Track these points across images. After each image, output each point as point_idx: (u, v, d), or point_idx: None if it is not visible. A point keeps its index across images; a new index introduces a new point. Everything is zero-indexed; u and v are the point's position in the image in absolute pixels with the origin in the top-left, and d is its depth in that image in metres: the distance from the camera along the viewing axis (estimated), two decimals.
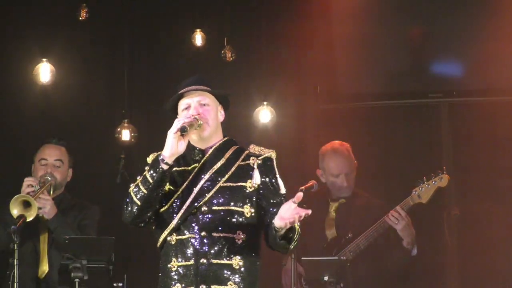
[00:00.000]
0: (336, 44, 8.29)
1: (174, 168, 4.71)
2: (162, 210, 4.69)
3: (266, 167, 4.76)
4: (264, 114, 7.79)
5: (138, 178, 4.74)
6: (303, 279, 6.71)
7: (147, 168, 4.69)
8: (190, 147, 4.74)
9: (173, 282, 4.71)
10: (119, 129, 7.72)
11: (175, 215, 4.66)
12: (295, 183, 6.47)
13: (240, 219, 4.66)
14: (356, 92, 8.37)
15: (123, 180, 7.81)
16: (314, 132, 8.22)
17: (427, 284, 7.97)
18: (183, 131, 4.54)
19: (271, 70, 8.16)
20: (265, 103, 7.81)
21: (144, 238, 7.64)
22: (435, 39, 8.27)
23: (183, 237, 4.65)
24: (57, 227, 6.20)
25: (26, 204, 6.01)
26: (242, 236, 4.64)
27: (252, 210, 4.68)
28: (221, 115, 4.77)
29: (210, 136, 4.71)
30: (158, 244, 4.78)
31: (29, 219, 5.95)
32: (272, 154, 4.83)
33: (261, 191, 4.71)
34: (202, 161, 4.72)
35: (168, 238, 4.68)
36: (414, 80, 8.28)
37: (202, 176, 4.68)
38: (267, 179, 4.75)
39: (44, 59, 7.59)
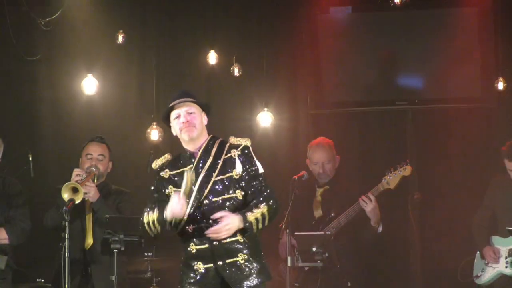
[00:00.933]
0: (322, 62, 8.29)
1: (173, 172, 4.81)
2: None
3: (244, 155, 4.75)
4: (265, 118, 7.79)
5: (147, 210, 4.84)
6: (296, 250, 6.63)
7: (156, 213, 4.76)
8: (183, 151, 4.79)
9: (195, 261, 4.71)
10: (149, 130, 7.70)
11: (188, 204, 4.66)
12: (290, 173, 6.64)
13: (235, 203, 4.68)
14: (338, 100, 8.32)
15: (151, 171, 7.55)
16: (305, 132, 8.20)
17: (395, 256, 7.92)
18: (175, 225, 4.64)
19: (270, 82, 8.18)
20: (265, 109, 7.81)
21: None
22: (401, 57, 8.32)
23: (196, 226, 4.67)
24: (100, 208, 6.21)
25: (75, 190, 5.99)
26: (234, 205, 4.70)
27: (242, 193, 4.69)
28: (204, 119, 4.78)
29: (198, 137, 4.72)
30: (178, 234, 4.81)
31: (77, 202, 5.94)
32: (248, 142, 4.84)
33: (245, 177, 4.71)
34: (195, 162, 4.71)
35: (186, 228, 4.67)
36: (384, 91, 8.27)
37: (202, 171, 4.71)
38: (247, 166, 4.75)
39: (89, 74, 7.60)
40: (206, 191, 4.66)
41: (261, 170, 4.81)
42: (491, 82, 7.90)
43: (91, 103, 7.99)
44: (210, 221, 4.62)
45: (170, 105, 4.71)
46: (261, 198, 4.68)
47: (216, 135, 4.86)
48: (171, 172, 4.78)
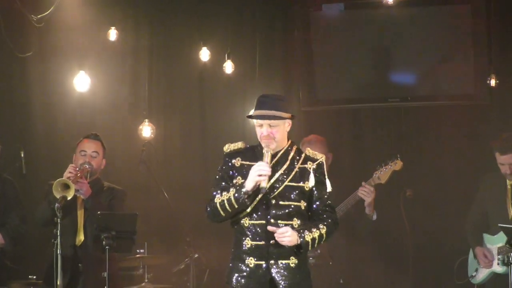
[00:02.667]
0: (314, 59, 8.35)
1: (245, 162, 4.87)
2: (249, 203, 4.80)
3: (319, 172, 4.85)
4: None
5: (224, 194, 4.78)
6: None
7: (232, 191, 4.77)
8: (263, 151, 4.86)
9: (248, 256, 4.81)
10: (141, 127, 7.75)
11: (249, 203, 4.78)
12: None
13: (298, 211, 4.79)
14: (330, 97, 8.40)
15: (143, 167, 7.84)
16: (297, 129, 7.71)
17: (387, 252, 7.83)
18: (260, 190, 4.65)
19: (263, 79, 8.21)
20: None
21: (162, 212, 7.87)
22: (393, 54, 8.33)
23: (256, 222, 4.75)
24: (92, 205, 6.21)
25: (66, 186, 5.96)
26: (298, 222, 4.75)
27: (305, 204, 4.79)
28: (288, 126, 4.83)
29: (278, 147, 4.77)
30: (232, 224, 4.92)
31: (69, 198, 5.91)
32: (323, 158, 4.93)
33: (315, 192, 4.82)
34: (273, 162, 4.77)
35: (242, 221, 4.77)
36: (377, 88, 8.33)
37: (273, 176, 4.77)
38: (319, 182, 4.85)
39: (81, 71, 7.63)
40: (276, 192, 4.77)
41: (329, 188, 4.92)
42: (483, 79, 7.92)
43: (83, 100, 8.07)
44: (272, 220, 4.73)
45: (255, 114, 4.80)
46: (323, 219, 4.85)
47: (294, 142, 4.97)
48: (243, 162, 4.86)
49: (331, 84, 8.43)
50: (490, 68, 8.04)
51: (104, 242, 5.96)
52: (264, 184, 4.74)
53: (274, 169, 4.86)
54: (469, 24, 8.19)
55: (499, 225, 6.19)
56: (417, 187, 8.00)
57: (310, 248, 4.85)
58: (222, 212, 4.81)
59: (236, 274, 4.86)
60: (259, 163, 4.73)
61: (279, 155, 4.85)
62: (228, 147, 4.97)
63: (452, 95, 8.23)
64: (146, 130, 7.72)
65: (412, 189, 7.83)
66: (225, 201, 4.77)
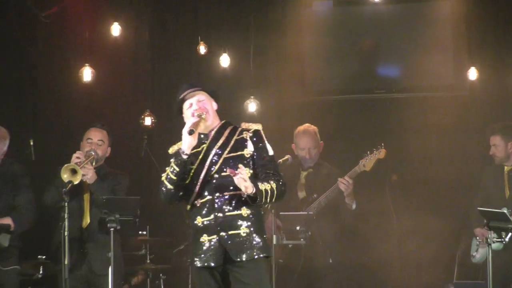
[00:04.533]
0: (305, 53, 8.42)
1: (192, 151, 4.75)
2: (186, 183, 4.73)
3: (256, 137, 4.77)
4: (251, 106, 7.87)
5: (166, 169, 4.75)
6: (281, 229, 6.66)
7: (172, 160, 4.70)
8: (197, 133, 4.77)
9: (200, 234, 4.74)
10: (142, 117, 7.79)
11: (196, 184, 4.70)
12: (275, 157, 6.30)
13: (241, 176, 4.64)
14: (321, 89, 8.46)
15: (145, 154, 8.04)
16: (290, 118, 8.09)
17: (374, 235, 7.83)
18: (191, 133, 4.60)
19: (257, 72, 8.20)
20: (252, 97, 7.85)
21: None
22: (380, 49, 8.46)
23: (204, 200, 4.69)
24: (97, 190, 6.21)
25: (73, 171, 5.98)
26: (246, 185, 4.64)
27: (251, 171, 4.68)
28: (214, 105, 4.82)
29: (212, 122, 4.75)
30: (188, 208, 4.85)
31: (75, 182, 5.94)
32: (259, 126, 4.85)
33: (255, 157, 4.73)
34: (208, 141, 4.75)
35: (195, 203, 4.72)
36: (364, 80, 8.40)
37: (210, 152, 4.71)
38: (258, 147, 4.77)
39: (86, 64, 7.69)
40: (216, 167, 4.72)
41: (271, 152, 4.88)
42: (463, 71, 7.99)
43: (89, 91, 8.09)
44: (217, 194, 4.69)
45: (181, 96, 4.83)
46: (271, 176, 4.74)
47: (228, 121, 4.94)
48: (190, 151, 4.84)
49: (321, 76, 8.50)
50: (470, 60, 8.05)
51: (108, 225, 5.93)
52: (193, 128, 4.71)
53: (210, 146, 4.83)
54: (449, 18, 8.25)
55: (478, 208, 6.06)
56: (401, 173, 8.04)
57: (263, 200, 4.74)
58: (169, 184, 4.78)
59: (195, 254, 4.84)
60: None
61: (213, 133, 4.83)
62: (172, 149, 4.98)
63: (433, 86, 8.30)
64: (148, 120, 7.79)
65: (397, 174, 7.93)
66: (169, 172, 4.77)
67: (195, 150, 4.74)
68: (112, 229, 5.95)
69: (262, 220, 4.91)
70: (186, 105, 4.79)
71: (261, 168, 4.79)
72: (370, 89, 8.38)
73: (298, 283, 6.84)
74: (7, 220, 6.31)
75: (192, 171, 4.70)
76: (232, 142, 4.81)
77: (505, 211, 6.10)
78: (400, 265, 7.96)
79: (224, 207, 4.67)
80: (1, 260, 6.35)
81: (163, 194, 4.81)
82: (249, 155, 4.77)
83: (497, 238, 6.12)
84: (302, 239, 6.53)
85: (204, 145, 4.76)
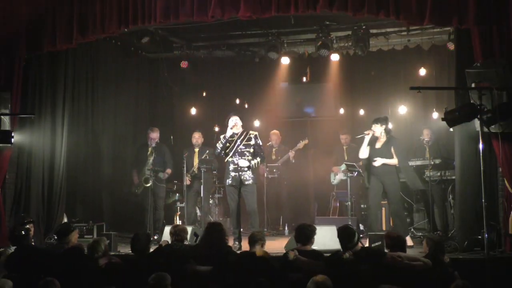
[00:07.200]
0: (276, 99, 11.65)
1: (230, 138, 7.33)
2: (227, 151, 7.38)
3: (256, 138, 7.26)
4: (256, 122, 10.72)
5: (219, 141, 6.96)
6: (265, 172, 9.63)
7: (221, 137, 7.08)
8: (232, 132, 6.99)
9: (229, 180, 7.52)
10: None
11: (230, 153, 7.31)
12: (262, 145, 8.40)
13: (248, 154, 7.37)
14: (283, 115, 11.83)
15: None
16: (270, 128, 11.00)
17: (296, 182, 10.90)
18: (228, 142, 6.31)
19: (253, 108, 11.15)
20: (256, 119, 10.81)
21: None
22: (304, 101, 11.62)
23: (231, 158, 7.42)
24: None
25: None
26: (250, 158, 7.39)
27: (252, 151, 7.33)
28: (240, 122, 7.21)
29: (238, 128, 7.21)
30: (225, 160, 7.30)
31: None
32: (256, 132, 7.31)
33: (255, 147, 7.33)
34: (236, 136, 7.26)
35: (229, 160, 7.41)
36: (298, 112, 11.63)
37: (237, 141, 7.27)
38: (256, 141, 7.28)
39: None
40: (238, 148, 7.29)
41: (260, 143, 7.42)
42: (337, 107, 11.48)
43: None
44: (238, 157, 7.08)
45: (230, 118, 7.18)
46: (259, 154, 7.40)
47: (245, 129, 7.08)
48: (229, 138, 7.25)
49: (283, 108, 12.04)
50: (341, 101, 11.23)
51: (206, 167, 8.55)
52: (230, 132, 6.22)
53: (237, 139, 6.86)
54: (332, 80, 11.09)
55: (345, 163, 8.87)
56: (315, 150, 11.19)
57: (255, 166, 6.99)
58: (219, 149, 6.89)
59: (227, 178, 7.22)
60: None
61: (238, 134, 6.88)
62: (223, 136, 6.87)
63: (325, 115, 11.54)
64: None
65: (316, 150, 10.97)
66: (221, 143, 6.85)
67: (231, 139, 7.38)
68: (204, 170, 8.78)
69: (255, 168, 7.29)
70: (231, 122, 7.38)
71: (256, 150, 7.26)
72: (301, 115, 11.88)
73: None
74: (169, 170, 9.49)
75: (230, 146, 7.17)
76: (246, 138, 7.36)
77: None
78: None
79: (239, 162, 7.25)
80: (159, 182, 9.42)
81: (216, 153, 7.46)
82: (252, 144, 7.30)
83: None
84: (276, 175, 10.11)
85: (235, 137, 7.44)
